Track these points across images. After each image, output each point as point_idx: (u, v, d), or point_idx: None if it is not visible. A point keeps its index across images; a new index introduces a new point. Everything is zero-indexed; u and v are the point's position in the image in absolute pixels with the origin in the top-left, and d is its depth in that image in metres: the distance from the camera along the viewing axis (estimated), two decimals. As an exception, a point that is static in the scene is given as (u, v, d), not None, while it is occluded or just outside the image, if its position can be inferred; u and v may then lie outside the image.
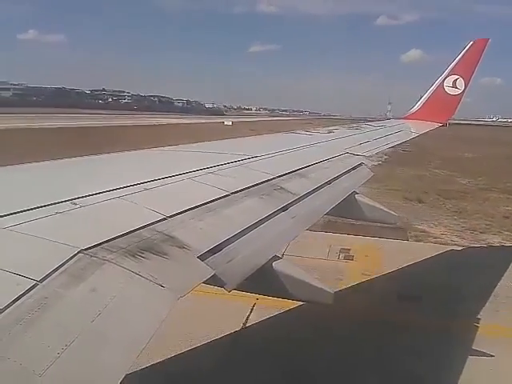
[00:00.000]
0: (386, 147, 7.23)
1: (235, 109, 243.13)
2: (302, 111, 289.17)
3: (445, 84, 10.77)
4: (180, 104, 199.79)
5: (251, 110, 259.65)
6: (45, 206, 2.10)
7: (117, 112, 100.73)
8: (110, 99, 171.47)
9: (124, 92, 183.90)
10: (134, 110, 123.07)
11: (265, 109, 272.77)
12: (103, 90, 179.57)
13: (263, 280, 2.49)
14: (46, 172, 3.18)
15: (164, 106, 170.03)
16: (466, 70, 10.64)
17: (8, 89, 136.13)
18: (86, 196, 2.33)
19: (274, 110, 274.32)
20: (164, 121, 73.77)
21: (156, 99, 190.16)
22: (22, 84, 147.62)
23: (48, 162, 3.46)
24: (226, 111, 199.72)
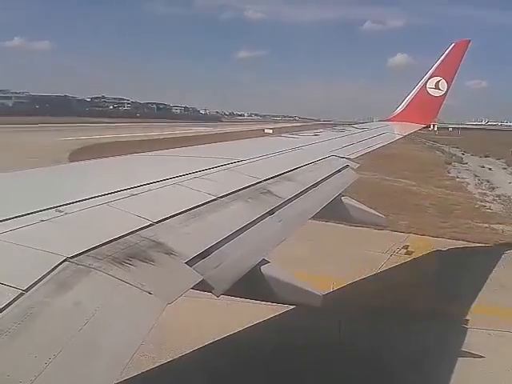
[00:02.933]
0: (371, 149, 7.28)
1: (227, 115, 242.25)
2: (292, 117, 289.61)
3: (427, 86, 10.90)
4: (178, 111, 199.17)
5: (244, 115, 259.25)
6: (29, 213, 2.07)
7: (135, 120, 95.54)
8: (111, 107, 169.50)
9: (124, 99, 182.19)
10: (137, 117, 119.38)
11: (256, 114, 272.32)
12: (103, 97, 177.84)
13: (252, 284, 2.49)
14: (30, 179, 3.14)
15: (163, 113, 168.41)
16: (449, 71, 10.77)
17: (10, 97, 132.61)
18: (71, 203, 2.30)
19: (265, 115, 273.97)
20: (194, 130, 67.24)
21: (154, 106, 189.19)
22: (23, 92, 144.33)
23: (32, 169, 3.41)
24: (222, 118, 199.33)
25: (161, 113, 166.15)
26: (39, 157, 22.87)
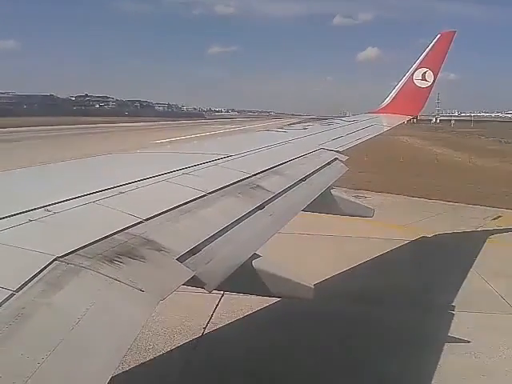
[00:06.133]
0: (359, 141, 7.31)
1: (205, 111, 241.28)
2: (268, 112, 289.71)
3: (414, 77, 10.95)
4: (161, 108, 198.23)
5: (221, 111, 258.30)
6: (17, 214, 2.06)
7: (140, 119, 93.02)
8: (97, 105, 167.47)
9: (108, 97, 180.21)
10: (126, 115, 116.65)
11: (232, 110, 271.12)
12: (86, 95, 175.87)
13: (243, 279, 2.50)
14: (18, 179, 3.11)
15: (148, 110, 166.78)
16: (435, 62, 10.83)
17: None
18: (59, 202, 2.29)
19: (241, 111, 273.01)
20: (230, 127, 63.60)
21: (137, 104, 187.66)
22: (9, 92, 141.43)
23: (19, 169, 3.38)
24: (204, 114, 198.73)
25: (145, 110, 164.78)
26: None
